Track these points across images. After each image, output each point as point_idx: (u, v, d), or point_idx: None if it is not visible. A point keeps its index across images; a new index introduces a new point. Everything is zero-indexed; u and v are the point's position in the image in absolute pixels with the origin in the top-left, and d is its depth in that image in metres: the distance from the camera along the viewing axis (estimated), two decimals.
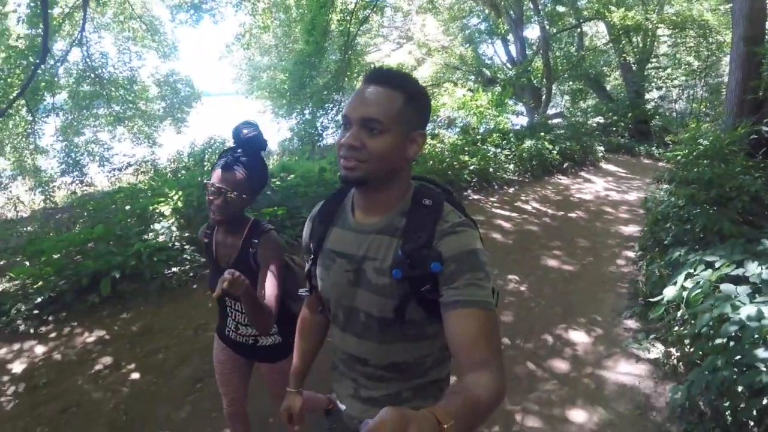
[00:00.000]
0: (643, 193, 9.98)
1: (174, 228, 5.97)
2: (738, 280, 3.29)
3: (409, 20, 22.18)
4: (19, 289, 4.99)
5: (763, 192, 5.40)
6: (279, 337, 2.24)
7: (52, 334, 4.46)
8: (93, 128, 15.02)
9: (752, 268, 3.27)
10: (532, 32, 19.97)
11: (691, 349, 3.55)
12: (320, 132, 15.14)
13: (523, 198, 9.61)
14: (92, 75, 13.86)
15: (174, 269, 5.44)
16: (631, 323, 4.56)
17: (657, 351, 3.95)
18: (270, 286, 2.00)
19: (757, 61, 7.19)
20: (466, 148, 10.98)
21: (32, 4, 10.93)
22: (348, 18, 13.96)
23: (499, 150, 11.28)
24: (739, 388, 2.68)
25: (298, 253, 2.24)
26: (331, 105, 15.09)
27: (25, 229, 8.34)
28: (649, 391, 3.54)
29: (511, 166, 10.98)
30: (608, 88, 21.66)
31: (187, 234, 5.82)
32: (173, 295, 5.16)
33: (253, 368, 2.46)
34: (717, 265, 3.58)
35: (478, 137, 12.20)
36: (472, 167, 9.90)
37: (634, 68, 18.89)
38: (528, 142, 11.96)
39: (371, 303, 1.36)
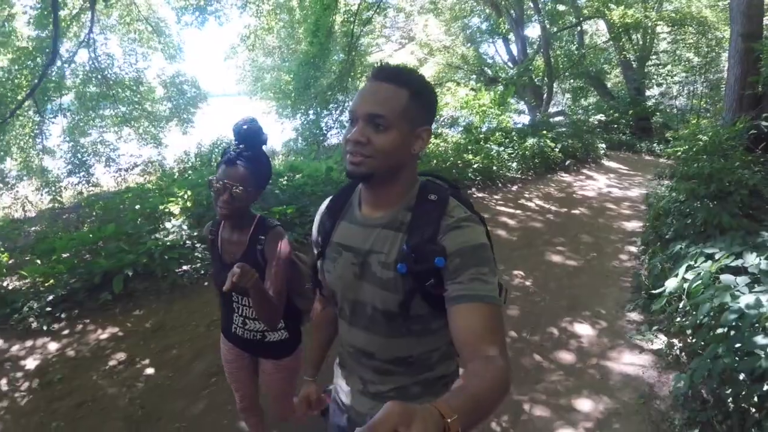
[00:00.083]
0: (645, 189, 10.04)
1: (185, 226, 6.03)
2: (737, 271, 3.38)
3: (411, 21, 22.26)
4: (30, 288, 5.03)
5: (761, 185, 5.49)
6: (286, 333, 2.25)
7: (65, 331, 4.49)
8: (99, 129, 15.02)
9: (751, 259, 3.37)
10: (533, 31, 20.08)
11: (693, 339, 3.64)
12: (324, 132, 15.23)
13: (526, 195, 9.68)
14: (99, 76, 13.89)
15: (185, 267, 5.47)
16: (634, 315, 4.64)
17: (660, 342, 4.02)
18: (277, 281, 2.01)
19: (755, 57, 7.23)
20: (469, 147, 11.09)
21: (39, 6, 11.05)
22: (351, 19, 14.04)
23: (501, 148, 11.36)
24: (741, 377, 2.74)
25: (306, 252, 2.29)
26: (335, 105, 15.19)
27: (32, 228, 8.37)
28: (652, 380, 3.60)
29: (514, 165, 11.05)
30: (609, 85, 21.70)
31: (197, 233, 5.88)
32: (185, 293, 5.20)
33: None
34: (717, 256, 3.67)
35: (481, 136, 12.30)
36: (475, 166, 10.01)
37: (634, 65, 18.96)
38: (530, 141, 12.03)
39: (376, 297, 1.37)
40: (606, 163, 13.83)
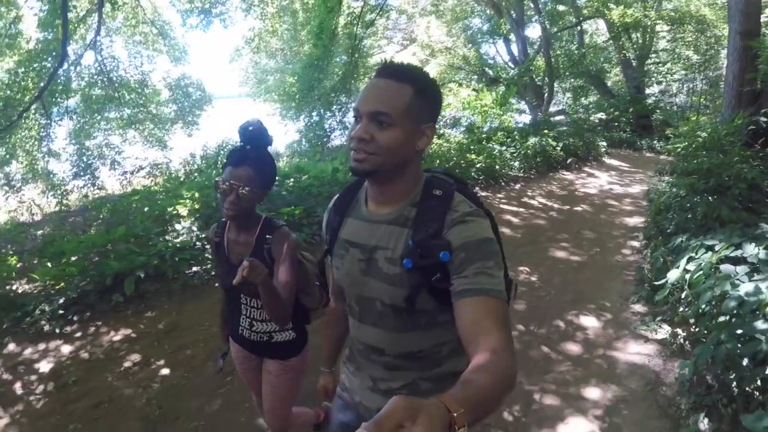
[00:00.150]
0: (646, 186, 10.12)
1: (194, 228, 6.09)
2: (737, 261, 3.48)
3: (413, 22, 22.32)
4: (41, 291, 5.06)
5: (760, 179, 5.57)
6: (293, 333, 2.25)
7: (77, 334, 4.50)
8: (104, 131, 15.01)
9: (750, 249, 3.47)
10: (533, 31, 20.19)
11: (696, 328, 3.72)
12: (328, 134, 15.32)
13: (529, 194, 9.76)
14: (104, 79, 13.88)
15: (195, 268, 5.50)
16: (638, 307, 4.72)
17: (664, 332, 4.10)
18: (286, 278, 2.02)
19: (753, 55, 7.29)
20: (472, 147, 11.19)
21: (45, 9, 11.09)
22: (354, 21, 14.09)
23: (504, 148, 11.45)
24: (744, 362, 2.82)
25: (314, 252, 2.35)
26: (338, 107, 15.28)
27: (38, 232, 8.35)
28: (658, 368, 3.68)
29: (517, 164, 11.14)
30: (609, 84, 21.78)
31: (206, 234, 5.89)
32: (196, 293, 5.22)
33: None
34: (717, 248, 3.78)
35: (483, 136, 12.40)
36: (478, 165, 10.11)
37: (634, 64, 19.02)
38: (532, 140, 12.10)
39: (383, 292, 1.38)
40: (607, 160, 13.90)
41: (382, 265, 1.37)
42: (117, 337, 4.45)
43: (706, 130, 7.32)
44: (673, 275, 3.90)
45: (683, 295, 3.99)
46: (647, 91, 19.83)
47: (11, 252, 6.38)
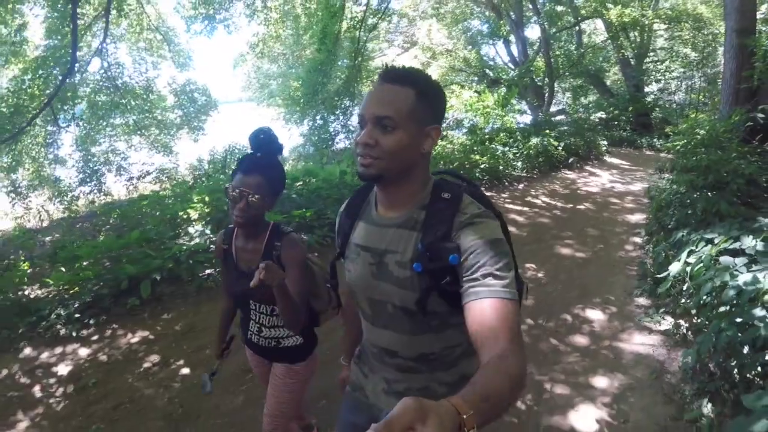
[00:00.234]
0: (647, 183, 10.24)
1: (207, 231, 6.19)
2: (736, 253, 3.61)
3: (414, 25, 22.39)
4: (55, 295, 5.13)
5: (757, 174, 5.69)
6: (301, 338, 2.25)
7: (94, 337, 4.57)
8: (110, 138, 14.97)
9: (748, 242, 3.60)
10: (533, 32, 20.29)
11: (698, 319, 3.85)
12: (332, 137, 15.40)
13: (532, 193, 9.88)
14: (110, 85, 13.89)
15: (209, 270, 5.59)
16: (642, 300, 4.85)
17: (667, 323, 4.23)
18: (297, 284, 2.03)
19: (750, 52, 7.37)
20: (475, 148, 11.32)
21: (50, 16, 11.14)
22: (357, 26, 14.18)
23: (506, 148, 11.58)
24: (745, 350, 2.94)
25: (325, 253, 2.42)
26: (342, 110, 15.38)
27: (47, 238, 8.44)
28: (662, 357, 3.81)
29: (519, 164, 11.26)
30: (608, 83, 21.86)
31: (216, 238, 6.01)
32: (210, 295, 5.30)
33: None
34: (716, 241, 3.90)
35: (486, 137, 12.52)
36: (482, 166, 10.24)
37: (632, 63, 19.12)
38: (534, 140, 12.22)
39: (394, 295, 1.38)
40: (608, 159, 14.01)
41: (392, 269, 1.38)
42: (135, 339, 4.53)
43: (704, 128, 7.41)
44: (674, 268, 4.04)
45: (685, 287, 4.12)
46: (646, 89, 19.94)
47: (22, 258, 6.44)
